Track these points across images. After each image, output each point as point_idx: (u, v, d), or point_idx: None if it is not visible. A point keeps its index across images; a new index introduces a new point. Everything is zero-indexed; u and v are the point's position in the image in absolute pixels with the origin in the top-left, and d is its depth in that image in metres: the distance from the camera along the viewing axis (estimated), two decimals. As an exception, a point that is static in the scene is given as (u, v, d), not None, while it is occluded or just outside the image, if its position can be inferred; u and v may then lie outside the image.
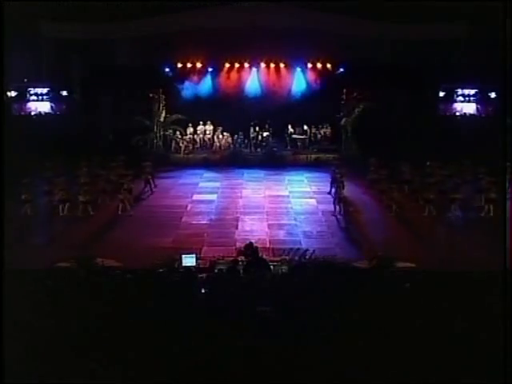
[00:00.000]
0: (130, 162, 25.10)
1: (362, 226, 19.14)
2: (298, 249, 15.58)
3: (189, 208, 21.15)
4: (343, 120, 29.44)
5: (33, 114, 27.75)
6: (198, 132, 30.21)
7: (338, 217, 19.74)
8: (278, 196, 22.81)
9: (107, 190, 21.88)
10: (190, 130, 30.09)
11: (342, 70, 28.88)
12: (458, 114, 28.23)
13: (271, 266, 13.35)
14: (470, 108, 28.02)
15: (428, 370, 7.06)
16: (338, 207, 20.12)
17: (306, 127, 30.12)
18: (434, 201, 20.23)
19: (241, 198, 22.62)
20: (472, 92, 27.80)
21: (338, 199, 20.26)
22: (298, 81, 29.69)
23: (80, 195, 20.40)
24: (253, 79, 29.60)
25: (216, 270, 13.07)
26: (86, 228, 18.83)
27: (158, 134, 29.56)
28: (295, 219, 19.66)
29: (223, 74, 29.54)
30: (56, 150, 25.51)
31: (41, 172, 23.07)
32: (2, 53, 16.81)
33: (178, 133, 29.82)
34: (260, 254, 14.25)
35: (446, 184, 21.59)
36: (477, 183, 21.46)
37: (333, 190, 21.94)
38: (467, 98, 28.00)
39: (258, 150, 29.52)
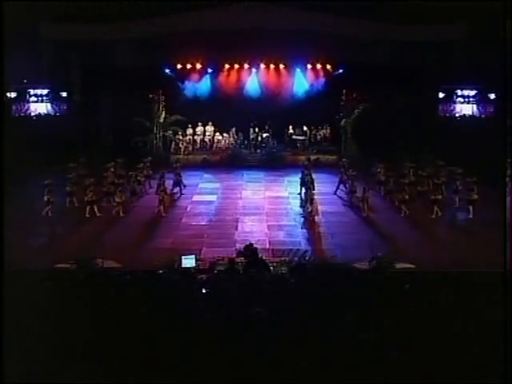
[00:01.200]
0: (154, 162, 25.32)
1: (358, 226, 19.19)
2: (298, 250, 15.61)
3: (188, 209, 21.15)
4: (343, 121, 29.44)
5: (32, 115, 27.71)
6: (198, 133, 30.23)
7: (310, 218, 19.61)
8: (278, 197, 22.80)
9: (137, 192, 22.05)
10: (190, 130, 30.11)
11: (341, 70, 28.89)
12: (457, 114, 28.22)
13: (271, 267, 13.37)
14: (469, 109, 27.99)
15: (428, 369, 7.06)
16: (309, 208, 19.95)
17: (305, 128, 30.13)
18: (408, 201, 20.25)
19: (240, 198, 22.62)
20: (471, 93, 27.78)
21: (309, 200, 20.16)
22: (298, 82, 29.69)
23: (116, 196, 20.51)
24: (252, 80, 29.61)
25: (215, 271, 13.09)
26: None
27: (157, 135, 29.58)
28: (295, 220, 19.65)
29: (223, 75, 29.55)
30: (61, 151, 25.62)
31: (47, 173, 23.06)
32: (2, 53, 16.81)
33: (179, 133, 29.84)
34: (260, 255, 14.27)
35: (424, 185, 21.53)
36: (455, 184, 21.27)
37: (303, 190, 22.03)
38: (466, 99, 27.97)
39: (258, 150, 29.51)
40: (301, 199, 21.80)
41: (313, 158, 28.25)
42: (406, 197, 20.31)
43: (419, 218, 19.85)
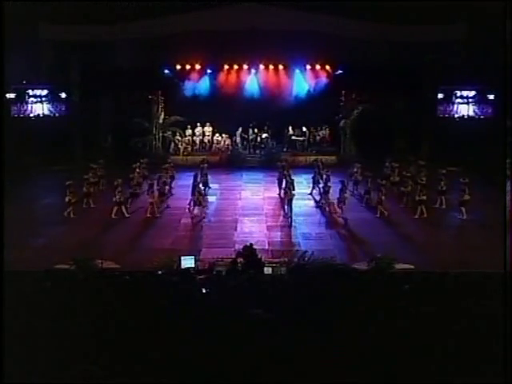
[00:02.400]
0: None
1: (357, 227, 19.19)
2: (297, 250, 15.62)
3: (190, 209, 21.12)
4: (342, 122, 29.47)
5: (31, 115, 27.72)
6: (197, 134, 30.26)
7: (289, 218, 19.49)
8: (277, 198, 22.77)
9: (165, 192, 21.94)
10: (189, 131, 30.14)
11: (340, 71, 28.87)
12: (456, 115, 28.26)
13: (270, 268, 13.34)
14: (468, 110, 28.04)
15: (428, 370, 7.07)
16: (287, 208, 19.85)
17: (304, 129, 30.15)
18: (382, 203, 20.21)
19: (240, 199, 22.61)
20: (470, 94, 27.82)
21: (287, 200, 20.02)
22: (297, 82, 29.67)
23: (149, 196, 20.51)
24: (252, 81, 29.59)
25: (214, 272, 13.10)
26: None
27: (156, 136, 29.61)
28: (294, 221, 19.63)
29: (222, 76, 29.51)
30: (59, 151, 25.66)
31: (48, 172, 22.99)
32: (2, 54, 16.82)
33: (177, 134, 29.87)
34: (259, 256, 14.26)
35: (408, 185, 21.35)
36: (439, 185, 21.07)
37: (282, 191, 21.96)
38: (465, 100, 28.02)
39: (257, 151, 29.54)
40: (280, 199, 21.81)
41: (312, 158, 28.28)
42: (383, 197, 20.24)
43: (399, 218, 19.90)
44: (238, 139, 29.79)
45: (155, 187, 21.41)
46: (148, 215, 19.94)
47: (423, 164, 23.39)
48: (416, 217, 19.77)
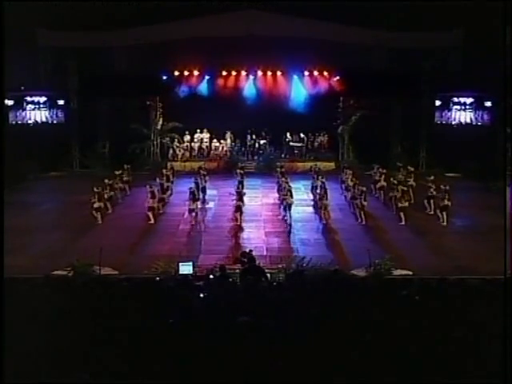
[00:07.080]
0: None
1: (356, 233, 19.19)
2: (295, 256, 15.61)
3: (186, 216, 21.08)
4: (340, 128, 29.54)
5: (29, 122, 27.78)
6: (195, 140, 30.32)
7: (288, 222, 19.52)
8: (275, 204, 22.77)
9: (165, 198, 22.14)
10: (187, 137, 30.19)
11: (338, 77, 28.97)
12: (453, 122, 28.40)
13: (268, 274, 13.33)
14: (465, 116, 28.17)
15: (426, 377, 7.06)
16: (286, 213, 19.86)
17: (302, 135, 30.21)
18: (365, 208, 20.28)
19: (238, 205, 22.58)
20: (468, 100, 27.95)
21: (286, 206, 20.02)
22: (295, 88, 29.77)
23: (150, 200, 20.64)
24: (250, 87, 29.68)
25: (212, 277, 13.07)
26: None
27: (155, 142, 29.64)
28: (292, 226, 19.62)
29: (220, 82, 29.60)
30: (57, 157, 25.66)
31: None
32: (3, 59, 16.76)
33: (175, 141, 29.93)
34: (257, 262, 14.24)
35: (394, 191, 21.32)
36: (429, 191, 21.04)
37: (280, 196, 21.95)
38: (463, 107, 28.15)
39: (255, 157, 29.58)
40: (282, 205, 21.74)
41: (310, 164, 28.35)
42: (365, 203, 20.26)
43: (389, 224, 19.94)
44: (228, 145, 29.84)
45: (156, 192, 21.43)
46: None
47: (412, 170, 23.49)
48: (402, 223, 19.78)
